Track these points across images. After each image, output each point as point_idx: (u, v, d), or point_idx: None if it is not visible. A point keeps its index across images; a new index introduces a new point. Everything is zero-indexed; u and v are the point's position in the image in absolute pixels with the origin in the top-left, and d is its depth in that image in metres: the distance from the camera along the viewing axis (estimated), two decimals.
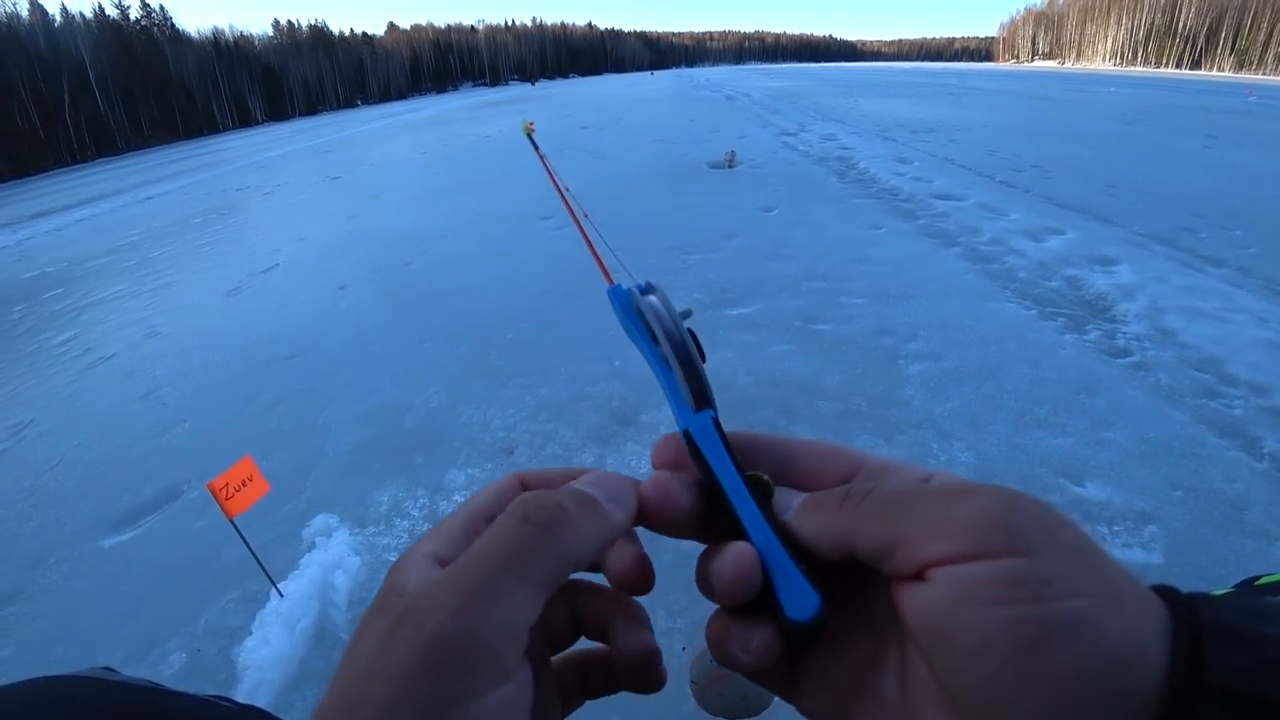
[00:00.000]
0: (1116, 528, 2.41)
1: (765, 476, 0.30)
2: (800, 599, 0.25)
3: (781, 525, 0.27)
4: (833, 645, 0.27)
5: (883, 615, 0.26)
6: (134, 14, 60.62)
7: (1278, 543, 2.33)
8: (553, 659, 0.31)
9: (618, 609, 0.30)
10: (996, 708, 0.20)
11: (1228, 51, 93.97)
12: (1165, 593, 0.22)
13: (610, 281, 0.38)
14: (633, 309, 0.36)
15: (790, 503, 0.28)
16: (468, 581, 0.22)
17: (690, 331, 0.36)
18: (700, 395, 0.33)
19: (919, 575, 0.23)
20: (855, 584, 0.27)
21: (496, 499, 0.29)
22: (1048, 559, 0.21)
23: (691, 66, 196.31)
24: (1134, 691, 0.19)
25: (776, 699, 0.30)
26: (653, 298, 0.36)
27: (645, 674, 0.30)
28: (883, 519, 0.24)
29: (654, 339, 0.34)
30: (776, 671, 0.29)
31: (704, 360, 0.35)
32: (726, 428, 0.32)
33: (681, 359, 0.33)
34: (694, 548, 0.32)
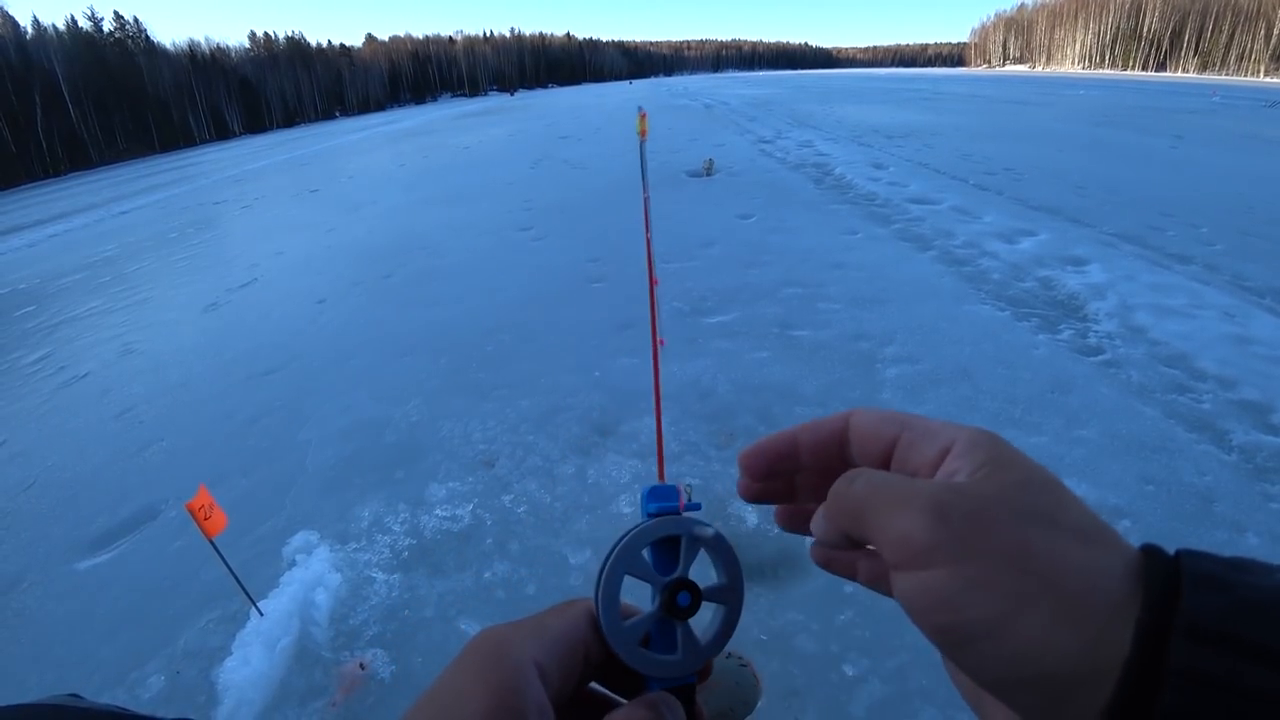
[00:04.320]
0: None
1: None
2: None
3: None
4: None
5: None
6: (107, 26, 59.91)
7: (1247, 533, 2.39)
8: None
9: None
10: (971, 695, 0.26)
11: (1191, 53, 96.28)
12: (1150, 550, 0.23)
13: (661, 477, 0.32)
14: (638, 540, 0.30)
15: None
16: None
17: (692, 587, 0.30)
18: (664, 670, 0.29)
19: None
20: None
21: (576, 626, 0.30)
22: (962, 567, 0.23)
23: (669, 75, 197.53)
24: (1063, 680, 0.21)
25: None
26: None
27: None
28: (854, 524, 0.27)
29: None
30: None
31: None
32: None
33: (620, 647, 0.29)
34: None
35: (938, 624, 0.23)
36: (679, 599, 0.30)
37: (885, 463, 0.29)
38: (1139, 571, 0.21)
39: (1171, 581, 0.21)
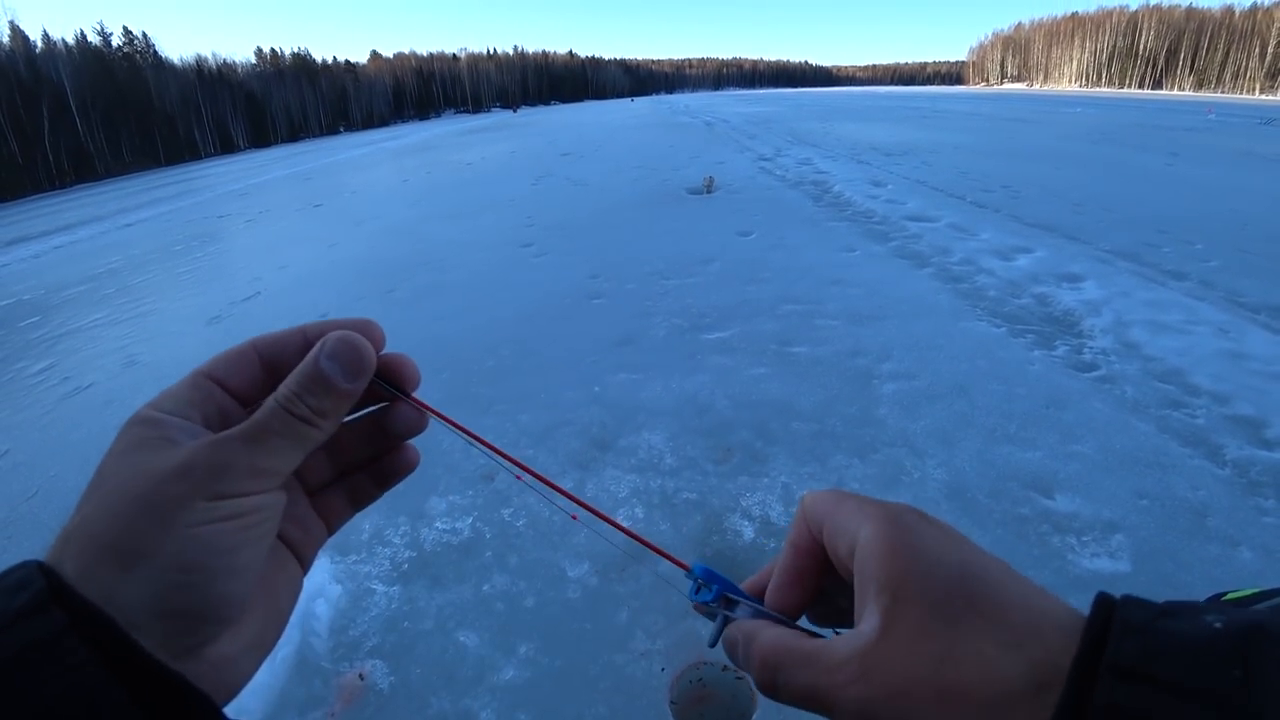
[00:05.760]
0: (1085, 538, 2.48)
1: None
2: None
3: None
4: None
5: None
6: (116, 41, 60.65)
7: (1240, 547, 2.41)
8: (315, 494, 0.40)
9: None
10: None
11: (1187, 71, 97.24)
12: (1099, 602, 0.26)
13: (685, 566, 0.39)
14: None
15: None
16: (254, 439, 0.31)
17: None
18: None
19: None
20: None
21: (226, 365, 0.36)
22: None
23: (671, 93, 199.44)
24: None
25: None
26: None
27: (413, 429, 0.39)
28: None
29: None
30: None
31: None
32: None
33: None
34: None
35: None
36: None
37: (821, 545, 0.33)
38: (1079, 628, 0.25)
39: (1103, 629, 0.24)
